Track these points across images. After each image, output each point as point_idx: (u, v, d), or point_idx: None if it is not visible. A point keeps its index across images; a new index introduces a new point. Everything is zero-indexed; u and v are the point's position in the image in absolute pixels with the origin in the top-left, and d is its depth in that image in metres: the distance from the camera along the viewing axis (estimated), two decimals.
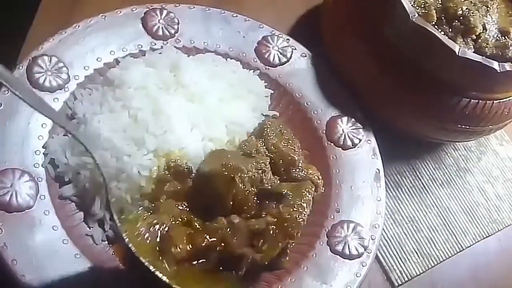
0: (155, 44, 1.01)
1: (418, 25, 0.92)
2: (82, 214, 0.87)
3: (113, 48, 0.98)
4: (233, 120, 0.96)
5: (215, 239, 0.82)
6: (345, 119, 1.05)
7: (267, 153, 0.94)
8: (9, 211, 0.81)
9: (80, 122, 0.90)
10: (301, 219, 0.85)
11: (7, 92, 0.87)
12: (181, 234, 0.82)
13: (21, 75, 0.90)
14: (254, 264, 0.82)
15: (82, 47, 0.96)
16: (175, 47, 1.02)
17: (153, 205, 0.86)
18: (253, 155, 0.91)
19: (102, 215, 0.87)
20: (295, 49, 1.09)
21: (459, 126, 1.01)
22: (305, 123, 1.04)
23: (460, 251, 1.07)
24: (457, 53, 0.91)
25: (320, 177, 0.97)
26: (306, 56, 1.09)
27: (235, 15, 1.08)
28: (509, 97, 1.00)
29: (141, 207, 0.86)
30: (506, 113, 1.02)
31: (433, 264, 1.04)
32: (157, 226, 0.81)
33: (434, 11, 0.97)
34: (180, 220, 0.84)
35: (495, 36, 1.00)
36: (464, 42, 0.97)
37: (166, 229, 0.81)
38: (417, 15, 0.93)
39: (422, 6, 0.97)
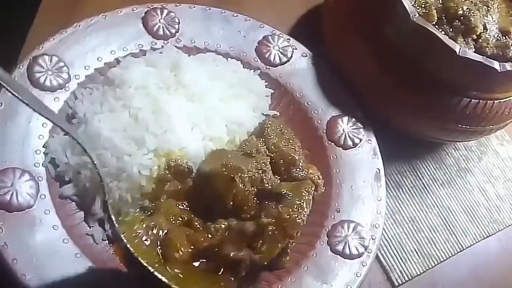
0: (156, 43, 1.01)
1: (419, 25, 0.92)
2: (82, 213, 0.87)
3: (114, 48, 0.98)
4: (233, 119, 0.96)
5: (215, 240, 0.82)
6: (345, 118, 1.05)
7: (267, 152, 0.94)
8: (9, 210, 0.81)
9: (81, 121, 0.90)
10: (300, 219, 0.85)
11: (7, 91, 0.87)
12: (180, 235, 0.82)
13: (21, 74, 0.90)
14: (254, 265, 0.82)
15: (83, 47, 0.96)
16: (175, 46, 1.02)
17: (153, 204, 0.86)
18: (253, 155, 0.91)
19: (103, 215, 0.87)
20: (296, 48, 1.09)
21: (460, 126, 1.01)
22: (305, 123, 1.04)
23: (461, 251, 1.07)
24: (457, 53, 0.91)
25: (321, 177, 0.97)
26: (306, 56, 1.09)
27: (235, 14, 1.08)
28: (510, 97, 1.00)
29: (138, 209, 0.86)
30: (507, 113, 1.02)
31: (433, 264, 1.04)
32: (155, 230, 0.81)
33: (435, 11, 0.97)
34: (180, 219, 0.84)
35: (496, 36, 1.00)
36: (464, 42, 0.97)
37: (164, 231, 0.81)
38: (417, 15, 0.93)
39: (423, 6, 0.97)
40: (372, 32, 1.00)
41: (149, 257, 0.78)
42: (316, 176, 0.96)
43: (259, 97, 1.03)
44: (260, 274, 0.88)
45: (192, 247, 0.81)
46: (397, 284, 1.01)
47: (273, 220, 0.83)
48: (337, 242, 0.93)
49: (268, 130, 0.96)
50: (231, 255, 0.81)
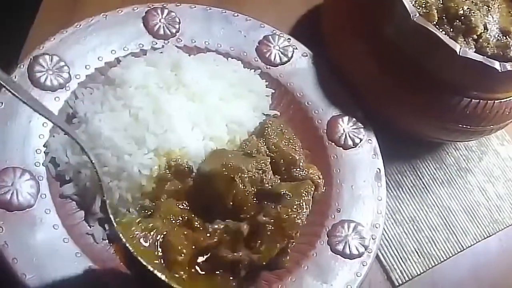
0: (156, 43, 1.02)
1: (419, 25, 0.92)
2: (82, 213, 0.87)
3: (114, 47, 0.98)
4: (234, 119, 0.96)
5: (213, 241, 0.82)
6: (346, 118, 1.05)
7: (268, 152, 0.94)
8: (10, 209, 0.81)
9: (81, 121, 0.90)
10: (299, 220, 0.85)
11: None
12: (179, 237, 0.82)
13: (22, 74, 0.90)
14: (253, 264, 0.83)
15: (83, 46, 0.96)
16: (176, 46, 1.02)
17: (153, 204, 0.86)
18: (253, 155, 0.91)
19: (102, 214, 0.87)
20: (296, 48, 1.09)
21: (460, 126, 1.01)
22: (306, 123, 1.04)
23: (461, 251, 1.07)
24: (458, 53, 0.91)
25: (321, 177, 0.97)
26: (307, 55, 1.09)
27: (236, 14, 1.08)
28: (510, 97, 1.00)
29: (137, 209, 0.86)
30: (507, 113, 1.02)
31: (433, 264, 1.04)
32: (152, 232, 0.81)
33: (435, 10, 0.97)
34: (180, 219, 0.84)
35: (496, 36, 1.00)
36: (465, 42, 0.97)
37: (163, 233, 0.81)
38: (418, 14, 0.93)
39: (423, 5, 0.97)
40: (372, 32, 1.00)
41: (148, 257, 0.78)
42: (316, 176, 0.96)
43: (260, 97, 1.03)
44: (260, 274, 0.88)
45: (193, 247, 0.81)
46: (397, 284, 1.01)
47: (272, 220, 0.84)
48: (337, 242, 0.93)
49: (269, 129, 0.96)
50: (229, 257, 0.81)
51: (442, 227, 1.09)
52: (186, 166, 0.88)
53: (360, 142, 1.03)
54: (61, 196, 0.87)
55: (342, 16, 1.08)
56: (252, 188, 0.87)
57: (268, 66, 1.07)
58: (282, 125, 0.98)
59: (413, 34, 0.94)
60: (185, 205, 0.87)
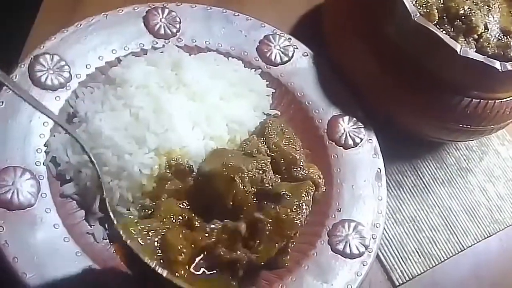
0: (157, 43, 1.02)
1: (420, 25, 0.92)
2: (83, 212, 0.87)
3: (115, 47, 0.98)
4: (234, 119, 0.96)
5: (211, 241, 0.82)
6: (346, 118, 1.05)
7: (268, 152, 0.94)
8: (10, 209, 0.81)
9: (82, 120, 0.90)
10: (299, 220, 0.85)
11: (9, 90, 0.88)
12: (178, 237, 0.82)
13: (23, 73, 0.90)
14: (251, 264, 0.83)
15: (84, 46, 0.96)
16: (176, 46, 1.02)
17: (154, 203, 0.86)
18: (254, 154, 0.91)
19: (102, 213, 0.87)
20: (297, 48, 1.09)
21: (461, 125, 1.01)
22: (306, 122, 1.04)
23: (462, 251, 1.07)
24: (458, 53, 0.91)
25: (321, 176, 0.97)
26: (307, 55, 1.09)
27: (237, 14, 1.08)
28: (511, 96, 1.00)
29: (137, 209, 0.86)
30: (508, 112, 1.01)
31: (434, 264, 1.04)
32: (150, 233, 0.80)
33: (436, 10, 0.97)
34: (181, 218, 0.84)
35: (497, 35, 1.00)
36: (465, 42, 0.97)
37: (161, 233, 0.81)
38: (418, 14, 0.93)
39: (424, 5, 0.97)
40: (373, 32, 1.00)
41: (149, 256, 0.78)
42: (317, 176, 0.96)
43: (260, 97, 1.03)
44: (260, 273, 0.88)
45: (192, 245, 0.81)
46: (397, 283, 1.01)
47: (270, 220, 0.84)
48: (337, 242, 0.93)
49: (269, 129, 0.96)
50: (227, 256, 0.81)
51: (442, 227, 1.08)
52: (187, 165, 0.88)
53: (361, 141, 1.03)
54: (61, 196, 0.87)
55: (343, 15, 1.08)
56: (252, 188, 0.87)
57: (269, 66, 1.07)
58: (282, 125, 0.98)
59: (414, 34, 0.94)
60: (185, 205, 0.86)
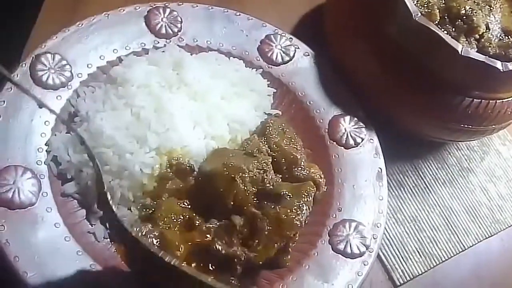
0: (158, 42, 1.02)
1: (421, 25, 0.92)
2: (84, 211, 0.87)
3: (116, 46, 0.99)
4: (235, 118, 0.96)
5: (207, 239, 0.82)
6: (347, 118, 1.05)
7: (269, 151, 0.94)
8: (11, 208, 0.81)
9: (83, 119, 0.90)
10: (298, 221, 0.85)
11: (10, 89, 0.88)
12: (175, 234, 0.82)
13: (24, 72, 0.90)
14: (250, 263, 0.83)
15: (85, 45, 0.96)
16: (178, 45, 1.02)
17: (155, 202, 0.86)
18: (255, 154, 0.91)
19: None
20: (298, 48, 1.09)
21: (462, 125, 1.01)
22: (307, 122, 1.04)
23: (463, 250, 1.07)
24: (460, 53, 0.91)
25: (322, 176, 0.97)
26: (309, 55, 1.09)
27: (238, 13, 1.08)
28: None
29: (138, 208, 0.86)
30: (509, 112, 1.01)
31: (435, 264, 1.04)
32: (149, 235, 0.81)
33: (437, 10, 0.97)
34: (181, 218, 0.84)
35: (498, 35, 1.00)
36: (467, 42, 0.97)
37: (158, 231, 0.81)
38: (420, 14, 0.93)
39: (425, 5, 0.97)
40: (374, 32, 1.00)
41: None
42: (318, 175, 0.96)
43: (261, 96, 1.03)
44: (260, 273, 0.88)
45: (189, 243, 0.81)
46: (398, 283, 1.01)
47: (267, 220, 0.84)
48: (338, 241, 0.93)
49: (270, 129, 0.96)
50: (223, 251, 0.81)
51: (443, 227, 1.08)
52: (188, 165, 0.89)
53: (362, 141, 1.03)
54: (62, 195, 0.87)
55: (344, 15, 1.08)
56: (253, 188, 0.87)
57: (270, 66, 1.07)
58: (283, 125, 0.99)
59: (415, 34, 0.94)
60: (186, 204, 0.86)
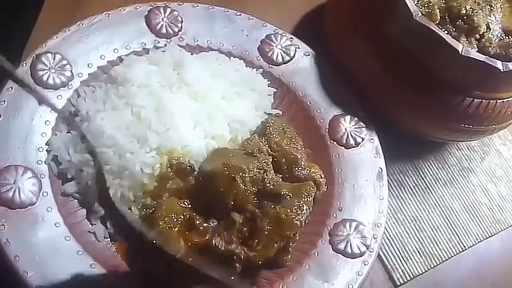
0: (159, 42, 1.02)
1: (422, 24, 0.92)
2: (84, 211, 0.87)
3: (117, 46, 0.99)
4: (236, 118, 0.96)
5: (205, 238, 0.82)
6: (348, 118, 1.05)
7: (269, 151, 0.94)
8: (12, 207, 0.81)
9: (83, 119, 0.90)
10: (298, 221, 0.85)
11: (11, 89, 0.88)
12: (175, 234, 0.82)
13: (25, 72, 0.90)
14: (249, 261, 0.83)
15: (86, 45, 0.96)
16: (178, 45, 1.02)
17: (155, 202, 0.86)
18: (255, 154, 0.91)
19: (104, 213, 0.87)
20: (299, 47, 1.09)
21: (462, 125, 1.01)
22: (308, 122, 1.04)
23: (463, 250, 1.07)
24: (460, 53, 0.91)
25: (323, 176, 0.97)
26: (309, 55, 1.09)
27: (238, 13, 1.08)
28: None
29: (139, 207, 0.86)
30: (510, 112, 1.01)
31: (435, 264, 1.04)
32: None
33: (438, 10, 0.97)
34: (182, 217, 0.84)
35: (499, 35, 1.00)
36: (467, 42, 0.97)
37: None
38: (420, 14, 0.93)
39: (426, 5, 0.97)
40: (374, 31, 1.00)
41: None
42: (318, 175, 0.96)
43: (262, 96, 1.03)
44: (260, 273, 0.88)
45: (189, 244, 0.81)
46: (399, 283, 1.01)
47: (267, 219, 0.84)
48: (339, 241, 0.93)
49: (271, 128, 0.96)
50: (221, 247, 0.81)
51: (444, 227, 1.08)
52: (188, 164, 0.88)
53: (362, 141, 1.03)
54: (63, 194, 0.87)
55: (344, 15, 1.08)
56: (253, 188, 0.87)
57: (270, 65, 1.07)
58: (284, 124, 0.98)
59: (416, 34, 0.94)
60: (186, 204, 0.86)
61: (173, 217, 0.83)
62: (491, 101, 0.98)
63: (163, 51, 0.99)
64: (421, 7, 0.97)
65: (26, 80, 0.88)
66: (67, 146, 0.88)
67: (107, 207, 0.82)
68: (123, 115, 0.89)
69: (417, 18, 0.92)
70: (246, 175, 0.86)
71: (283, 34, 1.10)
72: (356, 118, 1.05)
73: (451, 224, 1.09)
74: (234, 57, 1.05)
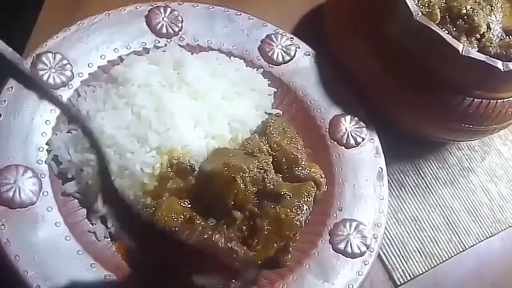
0: (159, 42, 1.02)
1: (422, 24, 0.92)
2: (84, 210, 0.88)
3: (117, 46, 0.99)
4: (236, 118, 0.96)
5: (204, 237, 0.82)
6: (348, 117, 1.05)
7: (270, 151, 0.94)
8: (12, 207, 0.82)
9: (84, 119, 0.90)
10: (298, 221, 0.85)
11: (11, 89, 0.88)
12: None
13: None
14: (248, 261, 0.83)
15: (86, 45, 0.96)
16: (178, 45, 1.02)
17: (155, 202, 0.86)
18: (255, 154, 0.91)
19: (105, 212, 0.87)
20: (299, 47, 1.09)
21: (463, 125, 1.01)
22: (308, 122, 1.04)
23: (463, 250, 1.07)
24: (461, 52, 0.91)
25: (323, 176, 0.97)
26: (309, 54, 1.09)
27: (239, 13, 1.08)
28: None
29: (139, 207, 0.86)
30: (510, 112, 1.01)
31: (435, 264, 1.04)
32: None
33: (438, 10, 0.97)
34: (182, 217, 0.84)
35: (499, 35, 1.00)
36: (468, 41, 0.97)
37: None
38: (421, 14, 0.93)
39: (426, 5, 0.97)
40: (374, 31, 1.00)
41: None
42: (318, 175, 0.96)
43: (262, 96, 1.03)
44: (261, 273, 0.88)
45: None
46: (399, 283, 1.01)
47: (267, 219, 0.84)
48: (339, 241, 0.93)
49: (271, 128, 0.96)
50: (221, 244, 0.81)
51: (444, 227, 1.08)
52: (188, 164, 0.88)
53: (362, 141, 1.03)
54: (63, 194, 0.87)
55: (344, 15, 1.08)
56: (253, 188, 0.87)
57: (271, 65, 1.07)
58: (284, 124, 0.98)
59: (416, 34, 0.93)
60: (186, 204, 0.86)
61: (173, 217, 0.83)
62: (491, 101, 0.98)
63: (164, 51, 0.99)
64: (421, 6, 0.97)
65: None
66: (67, 145, 0.88)
67: (110, 200, 0.82)
68: (123, 115, 0.89)
69: (417, 18, 0.92)
70: (246, 175, 0.86)
71: (284, 34, 1.10)
72: (356, 118, 1.05)
73: (451, 224, 1.09)
74: (235, 56, 1.05)
